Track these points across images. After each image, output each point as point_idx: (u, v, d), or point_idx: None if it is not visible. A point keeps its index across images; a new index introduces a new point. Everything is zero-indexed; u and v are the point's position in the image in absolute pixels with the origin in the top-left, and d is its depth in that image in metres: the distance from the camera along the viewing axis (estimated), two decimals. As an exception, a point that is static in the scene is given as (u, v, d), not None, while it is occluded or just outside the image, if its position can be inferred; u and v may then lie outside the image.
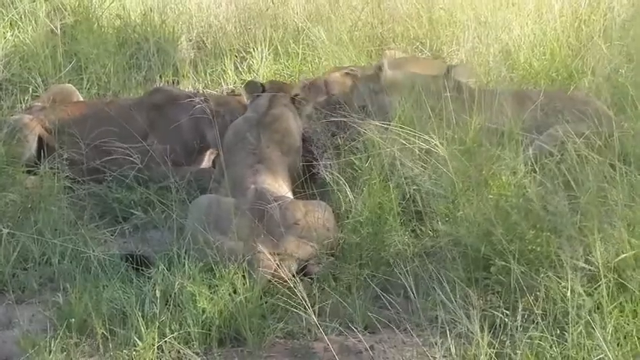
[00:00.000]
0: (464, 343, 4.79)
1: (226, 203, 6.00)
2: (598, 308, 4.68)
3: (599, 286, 4.73)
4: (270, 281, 5.63)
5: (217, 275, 5.48)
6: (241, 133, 6.67)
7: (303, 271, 5.87)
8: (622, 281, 4.81)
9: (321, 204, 6.15)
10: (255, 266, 5.62)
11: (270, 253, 5.68)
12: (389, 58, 8.21)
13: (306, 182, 6.62)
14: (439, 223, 5.76)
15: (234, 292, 5.39)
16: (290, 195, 6.35)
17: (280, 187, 6.31)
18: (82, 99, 8.23)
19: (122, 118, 7.49)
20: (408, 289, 5.34)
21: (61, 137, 7.40)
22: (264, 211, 5.85)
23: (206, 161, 7.72)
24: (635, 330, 4.62)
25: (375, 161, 6.26)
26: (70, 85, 8.41)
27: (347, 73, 7.62)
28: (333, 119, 7.06)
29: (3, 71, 8.91)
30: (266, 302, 5.47)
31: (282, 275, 5.54)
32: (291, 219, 5.91)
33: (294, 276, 5.62)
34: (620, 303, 4.72)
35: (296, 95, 7.27)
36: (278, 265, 5.66)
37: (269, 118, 6.84)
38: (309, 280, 5.80)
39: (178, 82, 9.18)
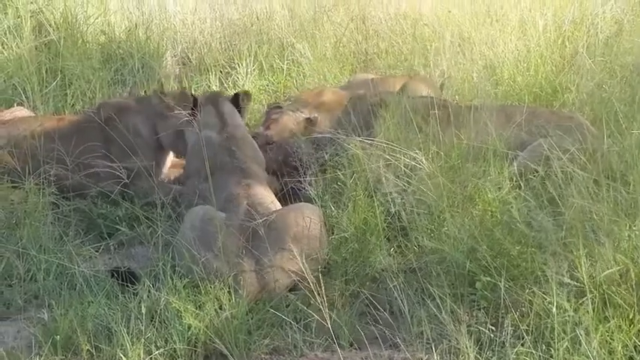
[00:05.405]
0: (451, 359, 4.79)
1: (219, 218, 5.91)
2: (583, 323, 4.69)
3: (585, 301, 4.75)
4: (257, 300, 5.63)
5: (203, 291, 5.47)
6: (213, 156, 6.57)
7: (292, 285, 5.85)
8: (607, 296, 4.82)
9: (310, 208, 6.05)
10: (241, 283, 5.60)
11: (257, 270, 5.67)
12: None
13: (290, 198, 6.60)
14: (424, 239, 5.76)
15: (220, 308, 5.38)
16: (277, 204, 6.34)
17: (270, 196, 6.33)
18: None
19: (76, 135, 7.43)
20: (394, 305, 5.36)
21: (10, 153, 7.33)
22: (254, 227, 5.80)
23: (167, 165, 7.73)
24: (620, 345, 4.63)
25: (360, 177, 6.27)
26: (20, 107, 8.35)
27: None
28: (317, 135, 7.08)
29: (-13, 87, 8.90)
30: (252, 318, 5.46)
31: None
32: (281, 233, 5.84)
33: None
34: (606, 318, 4.73)
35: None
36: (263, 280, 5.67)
37: (238, 134, 6.82)
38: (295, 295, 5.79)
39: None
